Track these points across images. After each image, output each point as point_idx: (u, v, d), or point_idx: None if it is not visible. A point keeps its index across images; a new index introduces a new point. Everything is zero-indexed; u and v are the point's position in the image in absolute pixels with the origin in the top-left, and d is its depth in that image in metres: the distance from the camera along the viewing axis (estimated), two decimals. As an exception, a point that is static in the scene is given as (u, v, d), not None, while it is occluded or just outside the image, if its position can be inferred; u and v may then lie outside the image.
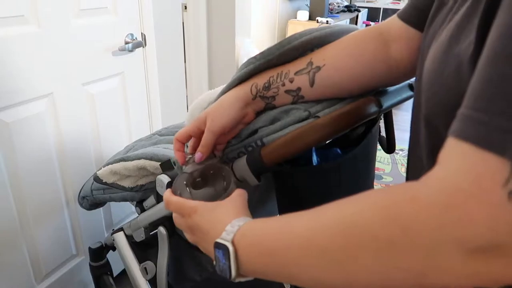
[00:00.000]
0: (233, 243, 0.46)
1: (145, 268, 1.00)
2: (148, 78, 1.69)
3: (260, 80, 0.66)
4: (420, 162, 0.51)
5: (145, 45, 1.63)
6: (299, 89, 0.65)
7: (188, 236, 0.57)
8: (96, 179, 0.93)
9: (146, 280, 1.01)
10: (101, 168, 0.92)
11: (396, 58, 0.63)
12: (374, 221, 0.36)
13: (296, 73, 0.65)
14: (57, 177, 1.38)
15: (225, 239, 0.47)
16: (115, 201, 1.00)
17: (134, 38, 1.56)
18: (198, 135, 0.67)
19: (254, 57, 0.66)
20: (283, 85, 0.65)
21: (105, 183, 0.92)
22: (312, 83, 0.64)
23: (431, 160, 0.43)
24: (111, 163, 0.89)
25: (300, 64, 0.65)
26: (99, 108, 1.48)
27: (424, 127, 0.47)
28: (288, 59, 0.67)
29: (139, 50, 1.60)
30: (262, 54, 0.66)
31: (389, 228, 0.34)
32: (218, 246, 0.47)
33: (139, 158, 0.84)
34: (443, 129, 0.39)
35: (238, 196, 0.56)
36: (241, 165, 0.66)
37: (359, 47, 0.64)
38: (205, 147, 0.65)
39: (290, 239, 0.42)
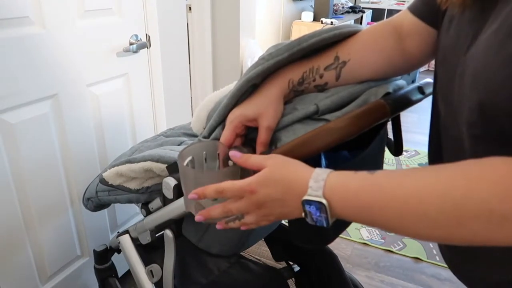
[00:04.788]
0: (324, 197, 0.49)
1: (151, 271, 0.99)
2: (152, 79, 1.69)
3: (295, 76, 0.67)
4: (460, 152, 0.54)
5: (150, 46, 1.63)
6: (326, 83, 0.68)
7: (250, 217, 0.57)
8: (102, 181, 0.92)
9: (152, 283, 1.00)
10: (106, 170, 0.92)
11: (410, 51, 0.67)
12: (490, 196, 0.39)
13: (325, 69, 0.67)
14: (62, 178, 1.37)
15: (315, 195, 0.50)
16: (120, 202, 0.99)
17: (139, 39, 1.56)
18: (243, 132, 0.68)
19: (263, 58, 0.66)
20: (314, 80, 0.68)
21: (111, 185, 0.91)
22: (338, 78, 0.68)
23: (483, 146, 0.47)
24: (117, 165, 0.88)
25: (328, 58, 0.68)
26: (104, 109, 1.47)
27: (478, 118, 0.48)
28: (298, 58, 0.68)
29: (143, 51, 1.60)
30: (270, 55, 0.66)
31: (506, 203, 0.38)
32: (309, 203, 0.50)
33: (145, 160, 0.83)
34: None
35: (282, 157, 0.57)
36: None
37: (379, 42, 0.67)
38: (266, 145, 0.66)
39: (387, 200, 0.46)
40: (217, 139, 0.70)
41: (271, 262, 1.34)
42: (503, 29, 0.43)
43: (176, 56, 1.76)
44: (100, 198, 1.01)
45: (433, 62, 0.65)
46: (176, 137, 1.02)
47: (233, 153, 0.61)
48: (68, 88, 1.31)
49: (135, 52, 1.54)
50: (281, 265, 1.31)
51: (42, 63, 1.21)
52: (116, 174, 0.88)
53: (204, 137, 0.74)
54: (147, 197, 0.94)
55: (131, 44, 1.51)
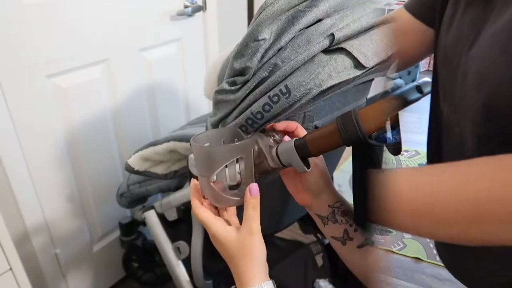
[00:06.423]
0: None
1: (178, 247, 0.98)
2: (207, 45, 1.63)
3: None
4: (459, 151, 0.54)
5: (205, 9, 1.56)
6: None
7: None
8: (127, 167, 0.92)
9: (180, 259, 1.00)
10: (131, 156, 0.90)
11: (404, 49, 0.67)
12: (505, 196, 0.37)
13: None
14: (113, 144, 1.38)
15: None
16: (152, 193, 0.99)
17: (194, 1, 1.49)
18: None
19: None
20: None
21: (137, 172, 0.90)
22: None
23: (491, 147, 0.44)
24: (140, 150, 0.87)
25: None
26: (156, 75, 1.45)
27: (482, 119, 0.47)
28: None
29: (198, 14, 1.54)
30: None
31: None
32: None
33: (168, 141, 0.81)
34: None
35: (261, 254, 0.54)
36: (289, 149, 0.57)
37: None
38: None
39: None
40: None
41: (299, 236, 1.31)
42: (506, 28, 0.43)
43: (234, 20, 1.69)
44: (131, 191, 1.02)
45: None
46: (202, 123, 0.98)
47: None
48: (119, 52, 1.30)
49: (190, 15, 1.49)
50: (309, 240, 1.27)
51: (94, 26, 1.20)
52: (141, 158, 0.87)
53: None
54: (177, 182, 0.93)
55: (185, 7, 1.46)
